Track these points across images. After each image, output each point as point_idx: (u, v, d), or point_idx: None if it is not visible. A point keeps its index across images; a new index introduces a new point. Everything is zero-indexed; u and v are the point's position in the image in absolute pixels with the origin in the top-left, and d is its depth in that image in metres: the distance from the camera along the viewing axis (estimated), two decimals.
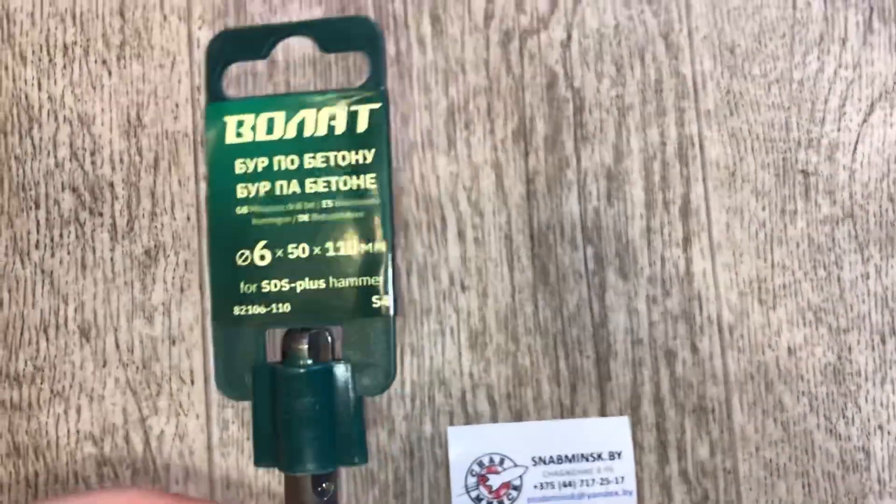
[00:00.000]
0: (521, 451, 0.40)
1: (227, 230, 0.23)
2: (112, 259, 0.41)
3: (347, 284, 0.23)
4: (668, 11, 0.43)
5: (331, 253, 0.23)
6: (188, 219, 0.41)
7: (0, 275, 0.40)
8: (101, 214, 0.41)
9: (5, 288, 0.40)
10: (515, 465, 0.40)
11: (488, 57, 0.43)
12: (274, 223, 0.23)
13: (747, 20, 0.44)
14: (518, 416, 0.41)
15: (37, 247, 0.41)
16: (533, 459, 0.40)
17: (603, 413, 0.41)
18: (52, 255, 0.40)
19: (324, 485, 0.20)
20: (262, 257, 0.23)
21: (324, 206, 0.23)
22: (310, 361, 0.21)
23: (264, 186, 0.24)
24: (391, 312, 0.23)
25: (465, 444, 0.40)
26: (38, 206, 0.41)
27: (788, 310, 0.42)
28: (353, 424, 0.21)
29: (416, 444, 0.40)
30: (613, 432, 0.41)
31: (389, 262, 0.23)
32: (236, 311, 0.23)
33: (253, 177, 0.24)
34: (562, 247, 0.42)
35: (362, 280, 0.23)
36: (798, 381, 0.41)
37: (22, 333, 0.40)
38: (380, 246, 0.23)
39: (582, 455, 0.40)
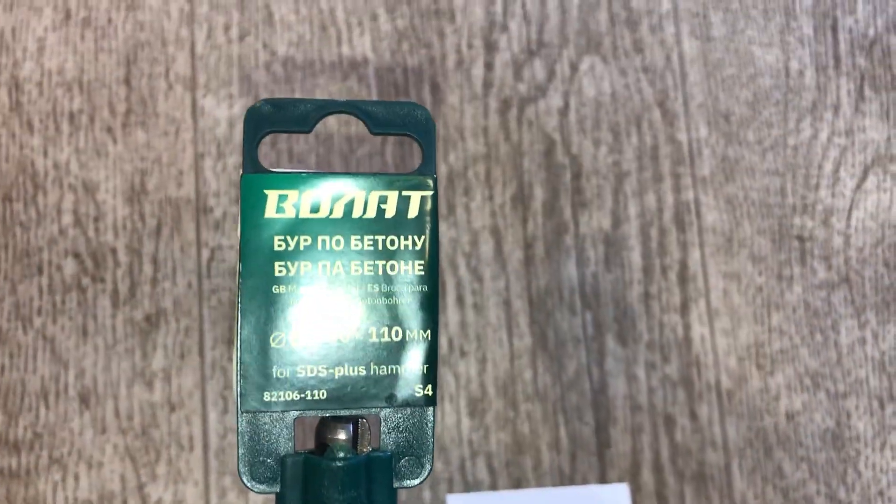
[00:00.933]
0: None
1: (261, 309, 0.23)
2: (113, 325, 0.41)
3: (389, 372, 0.23)
4: (663, 80, 0.44)
5: (374, 339, 0.23)
6: (189, 285, 0.41)
7: (2, 340, 0.40)
8: (102, 280, 0.41)
9: (7, 353, 0.40)
10: None
11: (487, 124, 0.43)
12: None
13: (741, 88, 0.44)
14: (517, 484, 0.40)
15: (39, 313, 0.41)
16: None
17: (603, 480, 0.41)
18: (54, 322, 0.40)
19: None
20: (299, 340, 0.23)
21: (368, 290, 0.23)
22: (349, 457, 0.21)
23: (305, 266, 0.23)
24: (432, 402, 0.22)
25: None
26: (40, 273, 0.41)
27: (787, 375, 0.42)
28: None
29: None
30: (613, 499, 0.40)
31: (433, 351, 0.23)
32: (266, 396, 0.22)
33: (293, 255, 0.23)
34: (560, 312, 0.42)
35: (405, 368, 0.23)
36: (797, 447, 0.41)
37: (22, 399, 0.40)
38: (425, 334, 0.23)
39: None
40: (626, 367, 0.41)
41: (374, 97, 0.43)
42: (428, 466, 0.22)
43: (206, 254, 0.41)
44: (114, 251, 0.41)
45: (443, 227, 0.42)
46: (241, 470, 0.21)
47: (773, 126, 0.44)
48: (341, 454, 0.21)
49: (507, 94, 0.43)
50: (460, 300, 0.42)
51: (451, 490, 0.40)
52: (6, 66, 0.43)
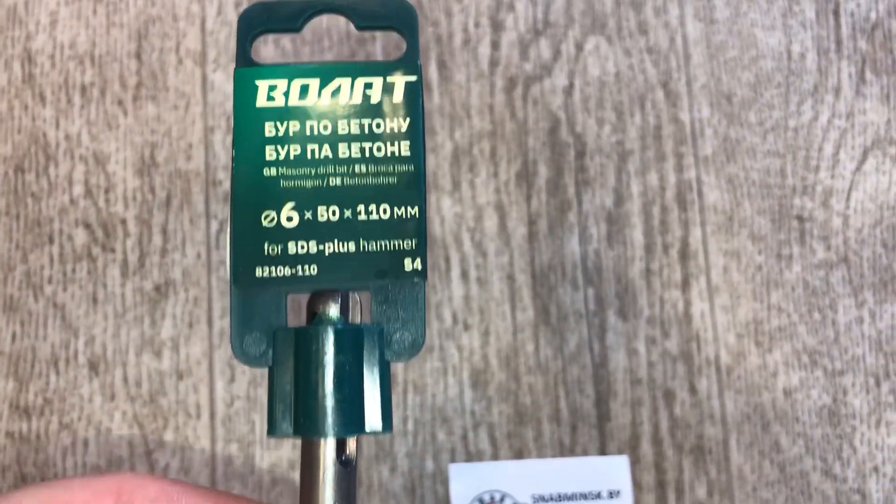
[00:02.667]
0: (521, 488, 0.40)
1: (252, 191, 0.23)
2: (122, 294, 0.41)
3: (378, 248, 0.22)
4: (667, 61, 0.44)
5: (362, 217, 0.23)
6: (198, 256, 0.41)
7: (13, 308, 0.40)
8: (112, 250, 0.41)
9: (18, 321, 0.40)
10: (516, 503, 0.40)
11: (493, 102, 0.43)
12: (304, 186, 0.23)
13: (744, 70, 0.44)
14: (518, 455, 0.41)
15: (49, 281, 0.41)
16: (533, 497, 0.40)
17: (602, 452, 0.41)
18: (65, 290, 0.41)
19: (346, 453, 0.19)
20: (290, 219, 0.23)
21: (357, 170, 0.23)
22: (339, 325, 0.21)
23: (295, 149, 0.23)
24: (423, 276, 0.22)
25: (467, 481, 0.40)
26: (51, 242, 0.41)
27: (785, 352, 0.42)
28: (380, 390, 0.20)
29: (417, 481, 0.40)
30: (613, 471, 0.40)
31: (422, 227, 0.23)
32: (258, 272, 0.22)
33: (283, 139, 0.24)
34: (563, 287, 0.42)
35: (394, 243, 0.23)
36: (794, 423, 0.41)
37: (33, 366, 0.40)
38: (413, 210, 0.23)
39: (581, 493, 0.40)
40: (627, 342, 0.42)
41: None
42: (420, 342, 0.22)
43: (214, 226, 0.42)
44: (124, 222, 0.41)
45: (447, 203, 0.42)
46: (234, 345, 0.21)
47: (775, 108, 0.44)
48: (330, 323, 0.21)
49: (512, 73, 0.44)
50: (464, 275, 0.42)
51: (453, 460, 0.40)
52: (19, 38, 0.43)
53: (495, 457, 0.40)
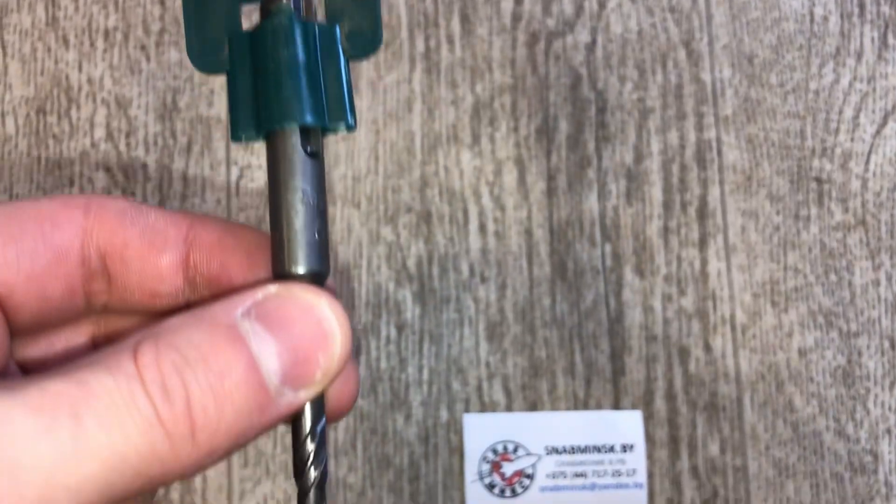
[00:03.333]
0: (535, 440, 0.40)
1: None
2: None
3: None
4: (689, 20, 0.44)
5: None
6: (218, 202, 0.41)
7: None
8: (133, 194, 0.41)
9: None
10: (529, 454, 0.40)
11: (515, 57, 0.43)
12: None
13: (766, 32, 0.44)
14: (532, 407, 0.41)
15: None
16: (546, 449, 0.40)
17: (616, 407, 0.41)
18: None
19: (311, 144, 0.18)
20: None
21: None
22: (294, 19, 0.20)
23: None
24: None
25: (481, 432, 0.40)
26: (72, 184, 0.41)
27: (800, 312, 0.42)
28: (342, 86, 0.19)
29: (431, 430, 0.40)
30: (626, 426, 0.40)
31: None
32: None
33: None
34: (580, 243, 0.42)
35: None
36: (808, 383, 0.41)
37: None
38: None
39: (595, 447, 0.40)
40: (643, 299, 0.41)
41: (405, 27, 0.43)
42: (378, 38, 0.20)
43: (234, 172, 0.41)
44: (144, 166, 0.41)
45: (467, 156, 0.42)
46: (190, 53, 0.20)
47: (796, 70, 0.44)
48: (285, 17, 0.20)
49: (535, 28, 0.43)
50: (482, 228, 0.42)
51: (467, 410, 0.40)
52: None
53: (509, 408, 0.40)
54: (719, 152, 0.43)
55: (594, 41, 0.43)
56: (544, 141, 0.42)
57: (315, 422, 0.17)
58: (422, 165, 0.42)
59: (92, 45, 0.42)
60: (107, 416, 0.14)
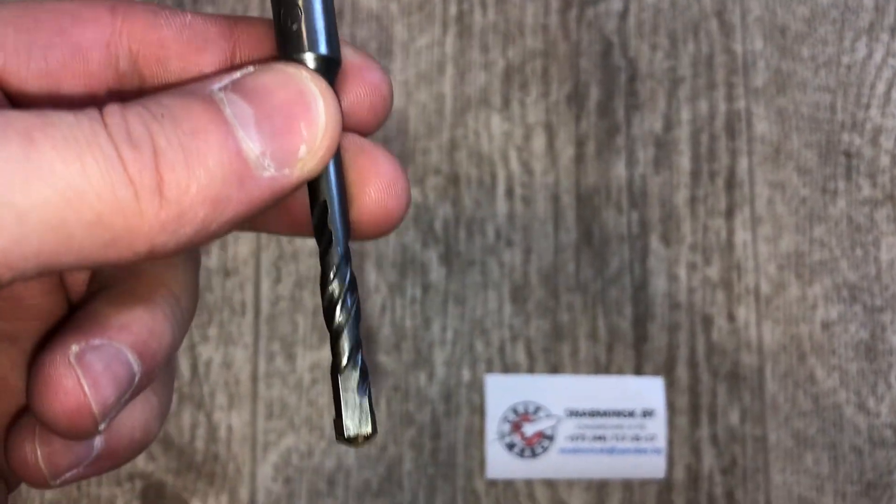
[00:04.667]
0: (556, 402, 0.40)
1: None
2: None
3: None
4: None
5: None
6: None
7: None
8: None
9: None
10: (550, 416, 0.40)
11: (547, 22, 0.43)
12: None
13: (799, 4, 0.44)
14: (554, 370, 0.41)
15: None
16: (567, 411, 0.40)
17: (638, 372, 0.41)
18: None
19: None
20: None
21: None
22: None
23: None
24: None
25: (502, 392, 0.40)
26: None
27: (825, 285, 0.41)
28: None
29: (453, 389, 0.40)
30: (647, 391, 0.40)
31: None
32: None
33: None
34: (607, 210, 0.42)
35: None
36: (830, 356, 0.41)
37: None
38: None
39: (615, 411, 0.40)
40: (668, 267, 0.41)
41: None
42: None
43: None
44: None
45: (496, 120, 0.42)
46: None
47: (828, 43, 0.43)
48: None
49: None
50: (509, 192, 0.42)
51: (489, 370, 0.40)
52: None
53: (531, 370, 0.40)
54: (749, 123, 0.42)
55: (627, 9, 0.43)
56: (574, 107, 0.42)
57: (332, 237, 0.16)
58: (451, 128, 0.42)
59: None
60: (64, 145, 0.13)
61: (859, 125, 0.43)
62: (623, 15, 0.43)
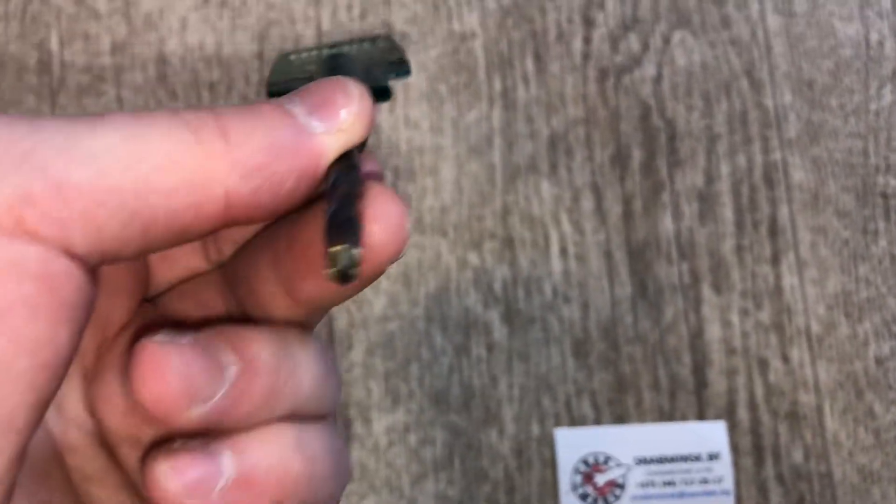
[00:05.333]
0: (624, 451, 0.41)
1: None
2: None
3: None
4: (749, 51, 0.46)
5: None
6: None
7: None
8: None
9: None
10: (619, 465, 0.41)
11: (586, 92, 0.46)
12: None
13: (823, 58, 0.46)
14: (620, 420, 0.42)
15: None
16: (636, 459, 0.41)
17: (701, 417, 0.42)
18: None
19: None
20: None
21: None
22: None
23: None
24: None
25: (572, 445, 0.41)
26: None
27: (874, 322, 0.43)
28: None
29: (524, 445, 0.42)
30: (711, 435, 0.42)
31: None
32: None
33: None
34: (658, 263, 0.44)
35: None
36: (887, 391, 0.42)
37: None
38: None
39: (682, 456, 0.41)
40: (721, 314, 0.43)
41: (482, 68, 0.46)
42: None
43: None
44: None
45: (545, 185, 0.45)
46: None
47: (855, 92, 0.46)
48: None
49: (604, 65, 0.46)
50: (563, 251, 0.44)
51: (557, 424, 0.42)
52: (153, 42, 0.46)
53: (598, 422, 0.42)
54: (786, 173, 0.44)
55: (660, 74, 0.46)
56: (618, 168, 0.45)
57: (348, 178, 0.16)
58: (503, 195, 0.44)
59: (198, 97, 0.46)
60: (124, 116, 0.14)
61: (893, 167, 0.44)
62: (657, 80, 0.46)
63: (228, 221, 0.15)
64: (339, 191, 0.15)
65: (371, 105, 0.16)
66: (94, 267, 0.14)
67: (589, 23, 0.46)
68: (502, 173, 0.45)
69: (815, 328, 0.43)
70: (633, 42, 0.46)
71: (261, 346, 0.16)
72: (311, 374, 0.17)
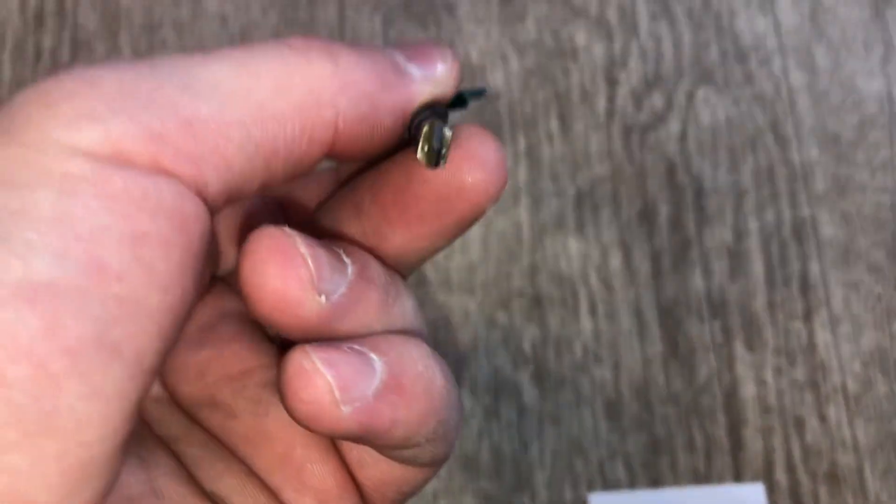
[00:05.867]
0: None
1: None
2: None
3: None
4: (774, 107, 0.46)
5: None
6: None
7: None
8: None
9: None
10: None
11: (611, 149, 0.46)
12: None
13: (847, 114, 0.46)
14: (655, 483, 0.41)
15: None
16: None
17: (738, 479, 0.41)
18: None
19: None
20: None
21: None
22: None
23: None
24: None
25: None
26: None
27: None
28: None
29: None
30: (750, 498, 0.40)
31: None
32: None
33: None
34: (689, 320, 0.43)
35: None
36: None
37: None
38: None
39: None
40: (755, 372, 0.42)
41: (507, 127, 0.46)
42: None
43: None
44: None
45: (573, 243, 0.44)
46: None
47: (881, 147, 0.45)
48: None
49: (628, 123, 0.46)
50: (593, 310, 0.43)
51: (591, 489, 0.41)
52: None
53: (632, 485, 0.41)
54: (815, 228, 0.44)
55: (685, 131, 0.46)
56: (646, 225, 0.44)
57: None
58: (531, 253, 0.44)
59: None
60: (251, 54, 0.14)
61: None
62: (682, 136, 0.45)
63: (334, 153, 0.15)
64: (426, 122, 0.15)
65: (459, 69, 0.16)
66: (218, 209, 0.13)
67: (612, 82, 0.46)
68: (529, 231, 0.44)
69: (852, 386, 0.42)
70: (656, 100, 0.46)
71: (370, 259, 0.16)
72: (413, 306, 0.16)
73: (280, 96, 0.14)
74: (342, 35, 0.47)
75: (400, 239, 0.16)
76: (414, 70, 0.15)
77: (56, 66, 0.47)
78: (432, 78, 0.15)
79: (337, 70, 0.14)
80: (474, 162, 0.15)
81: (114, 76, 0.13)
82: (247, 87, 0.13)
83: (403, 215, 0.16)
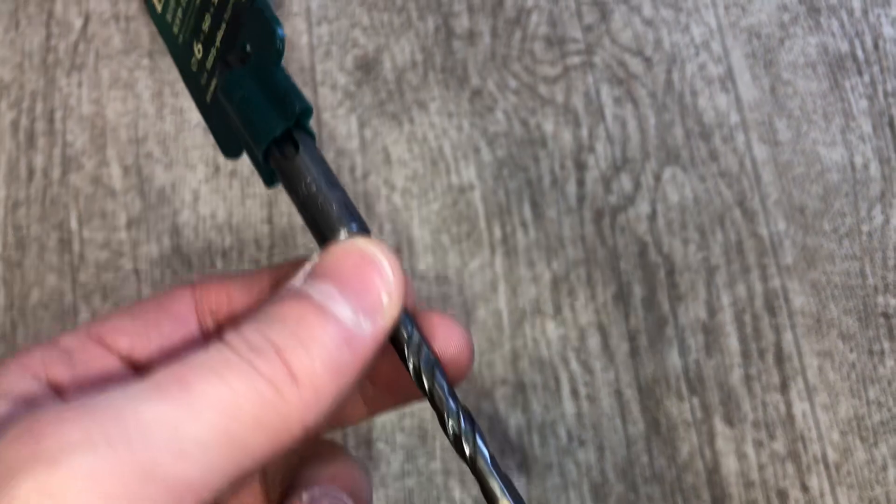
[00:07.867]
0: None
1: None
2: None
3: None
4: (739, 182, 0.47)
5: None
6: None
7: None
8: None
9: None
10: None
11: (584, 233, 0.47)
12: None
13: (812, 184, 0.47)
14: None
15: None
16: None
17: None
18: None
19: (286, 150, 0.20)
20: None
21: None
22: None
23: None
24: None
25: None
26: None
27: (891, 445, 0.42)
28: (280, 89, 0.21)
29: None
30: None
31: None
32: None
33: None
34: (669, 399, 0.44)
35: None
36: None
37: None
38: None
39: None
40: (736, 446, 0.43)
41: (482, 217, 0.47)
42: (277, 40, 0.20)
43: None
44: None
45: (551, 326, 0.45)
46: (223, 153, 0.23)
47: (847, 215, 0.46)
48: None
49: (599, 206, 0.47)
50: (574, 393, 0.44)
51: None
52: (167, 214, 0.48)
53: None
54: (786, 299, 0.45)
55: (654, 211, 0.47)
56: (621, 305, 0.45)
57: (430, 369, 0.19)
58: (511, 339, 0.45)
59: (212, 264, 0.47)
60: (210, 377, 0.15)
61: (891, 286, 0.45)
62: (652, 217, 0.47)
63: (307, 440, 0.17)
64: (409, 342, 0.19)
65: (401, 268, 0.18)
66: None
67: (581, 166, 0.48)
68: (508, 318, 0.45)
69: (832, 455, 0.42)
70: (625, 182, 0.47)
71: None
72: None
73: (256, 433, 0.15)
74: (320, 139, 0.48)
75: (389, 403, 0.21)
76: (365, 326, 0.17)
77: (48, 184, 0.49)
78: (384, 316, 0.17)
79: (299, 392, 0.16)
80: (447, 347, 0.19)
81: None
82: (231, 440, 0.15)
83: (395, 389, 0.21)
